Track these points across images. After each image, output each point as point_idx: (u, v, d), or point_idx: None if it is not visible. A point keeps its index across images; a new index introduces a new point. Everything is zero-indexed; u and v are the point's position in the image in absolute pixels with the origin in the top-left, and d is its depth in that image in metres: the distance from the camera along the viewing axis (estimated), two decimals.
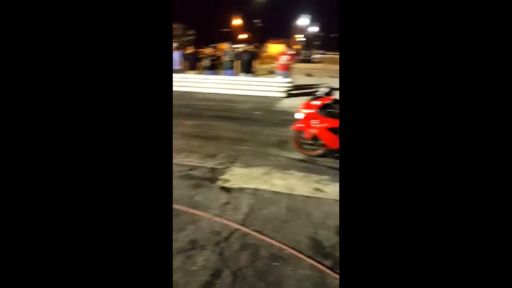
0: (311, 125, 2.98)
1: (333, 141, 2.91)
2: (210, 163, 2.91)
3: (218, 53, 8.35)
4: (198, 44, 14.15)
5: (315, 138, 3.04)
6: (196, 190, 2.34)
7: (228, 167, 2.81)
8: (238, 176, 2.61)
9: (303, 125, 3.05)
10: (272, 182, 2.52)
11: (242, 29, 41.32)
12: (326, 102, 2.98)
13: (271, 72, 13.24)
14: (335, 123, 2.87)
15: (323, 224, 1.92)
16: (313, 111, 3.00)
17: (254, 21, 36.24)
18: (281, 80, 7.16)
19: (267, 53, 30.06)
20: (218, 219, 1.93)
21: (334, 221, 1.95)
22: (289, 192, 2.35)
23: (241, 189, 2.36)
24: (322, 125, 2.92)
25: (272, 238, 1.72)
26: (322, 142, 3.00)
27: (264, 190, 2.37)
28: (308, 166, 2.93)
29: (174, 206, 1.99)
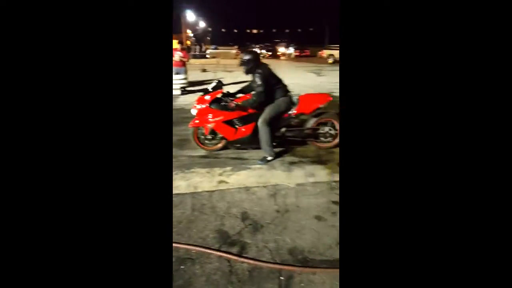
0: (208, 120, 2.98)
1: (231, 133, 2.99)
2: None
3: None
4: None
5: (213, 132, 3.06)
6: None
7: None
8: None
9: (199, 121, 3.01)
10: (174, 184, 2.41)
11: None
12: (217, 95, 3.02)
13: None
14: (230, 115, 2.96)
15: (228, 214, 1.97)
16: (206, 106, 3.00)
17: None
18: (175, 77, 6.85)
19: None
20: None
21: (238, 208, 2.04)
22: (193, 191, 2.30)
23: None
24: (217, 118, 2.96)
25: (178, 242, 1.65)
26: (220, 135, 3.06)
27: None
28: (210, 161, 2.94)
29: None
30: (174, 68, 7.06)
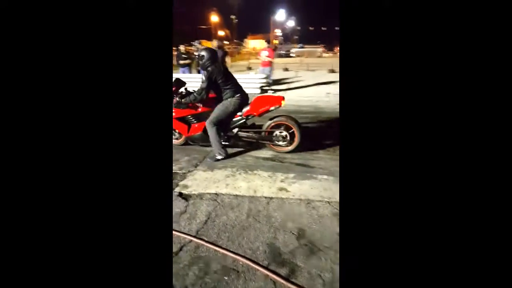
0: None
1: (185, 130, 3.16)
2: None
3: (191, 51, 8.21)
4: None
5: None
6: None
7: (190, 171, 2.66)
8: (199, 181, 2.47)
9: None
10: (235, 184, 2.40)
11: (220, 26, 40.75)
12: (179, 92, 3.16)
13: (248, 68, 13.02)
14: (181, 112, 3.08)
15: (283, 227, 1.81)
16: None
17: (231, 17, 35.85)
18: (254, 76, 7.05)
19: (246, 49, 29.76)
20: None
21: (295, 223, 1.85)
22: (252, 194, 2.23)
23: (200, 195, 2.22)
24: None
25: (227, 249, 1.60)
26: (177, 131, 3.27)
27: (225, 194, 2.24)
28: (274, 164, 2.82)
29: None
30: (263, 69, 7.19)
